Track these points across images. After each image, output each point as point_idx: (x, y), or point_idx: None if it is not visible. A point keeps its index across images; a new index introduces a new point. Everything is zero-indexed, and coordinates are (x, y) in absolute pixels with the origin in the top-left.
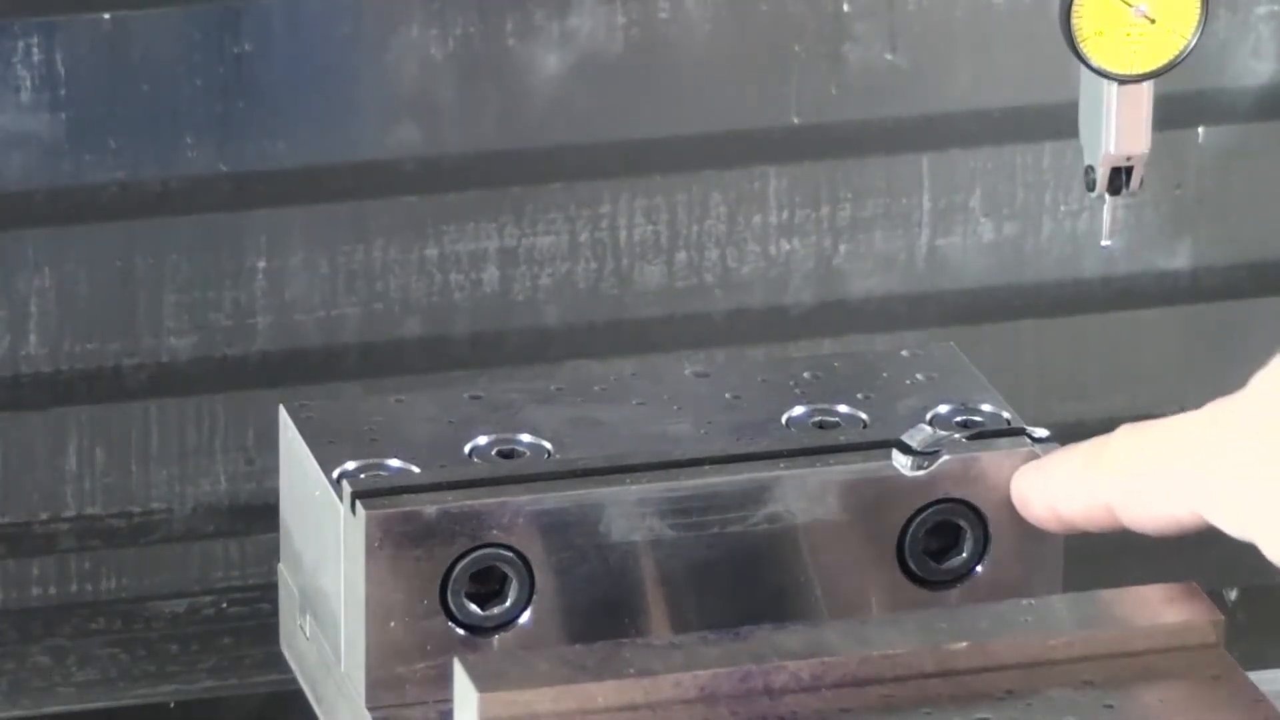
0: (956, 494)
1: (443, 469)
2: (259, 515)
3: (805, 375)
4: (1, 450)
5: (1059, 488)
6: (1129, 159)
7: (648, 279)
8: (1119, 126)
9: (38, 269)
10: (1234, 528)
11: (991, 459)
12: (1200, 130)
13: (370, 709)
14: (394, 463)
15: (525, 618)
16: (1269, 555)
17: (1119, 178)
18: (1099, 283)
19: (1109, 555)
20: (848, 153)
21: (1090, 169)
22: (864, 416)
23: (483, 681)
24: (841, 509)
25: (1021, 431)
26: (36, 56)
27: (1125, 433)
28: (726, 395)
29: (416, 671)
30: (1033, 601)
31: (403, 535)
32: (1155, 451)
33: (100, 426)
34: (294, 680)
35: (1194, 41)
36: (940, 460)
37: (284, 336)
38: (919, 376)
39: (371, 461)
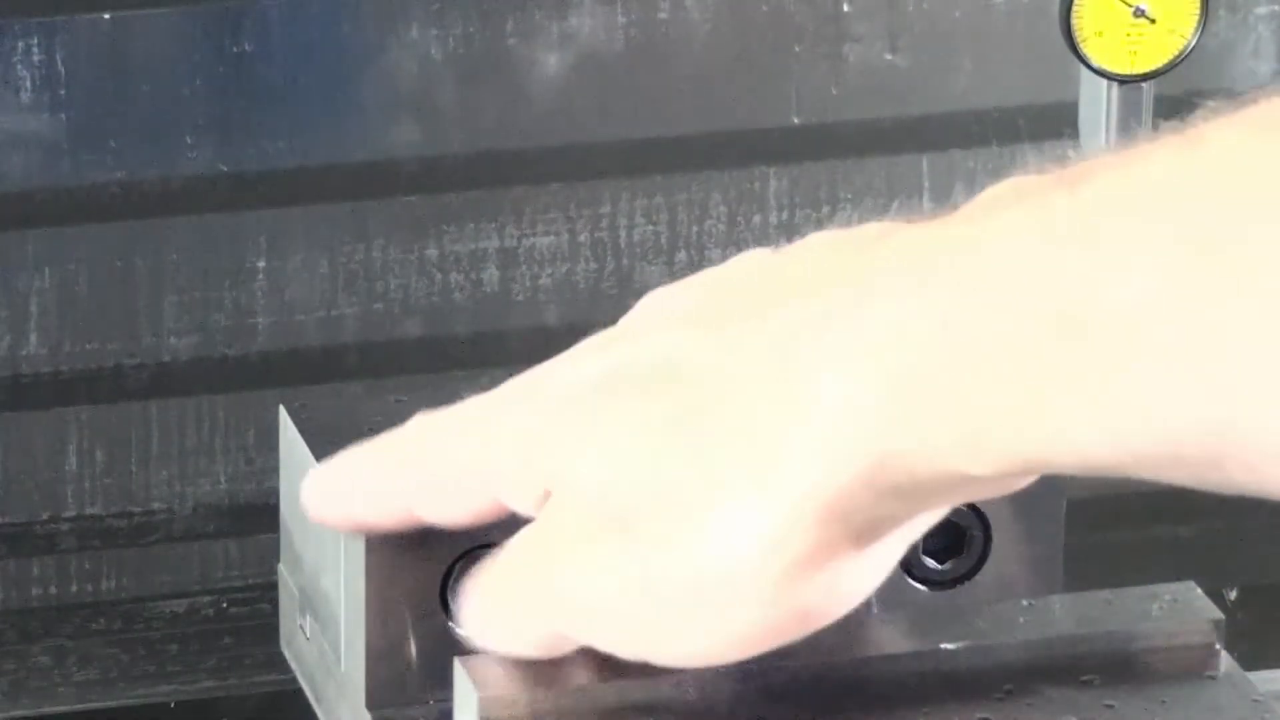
0: None
1: None
2: (259, 515)
3: None
4: (1, 450)
5: (353, 493)
6: None
7: (648, 279)
8: (1119, 126)
9: (38, 269)
10: (523, 506)
11: None
12: None
13: (370, 709)
14: None
15: None
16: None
17: None
18: None
19: (1109, 555)
20: (848, 153)
21: None
22: None
23: (483, 681)
24: None
25: None
26: (36, 56)
27: (417, 419)
28: None
29: (416, 671)
30: (1033, 601)
31: (403, 535)
32: (445, 433)
33: (100, 426)
34: (294, 680)
35: (1194, 41)
36: None
37: (284, 336)
38: None
39: None
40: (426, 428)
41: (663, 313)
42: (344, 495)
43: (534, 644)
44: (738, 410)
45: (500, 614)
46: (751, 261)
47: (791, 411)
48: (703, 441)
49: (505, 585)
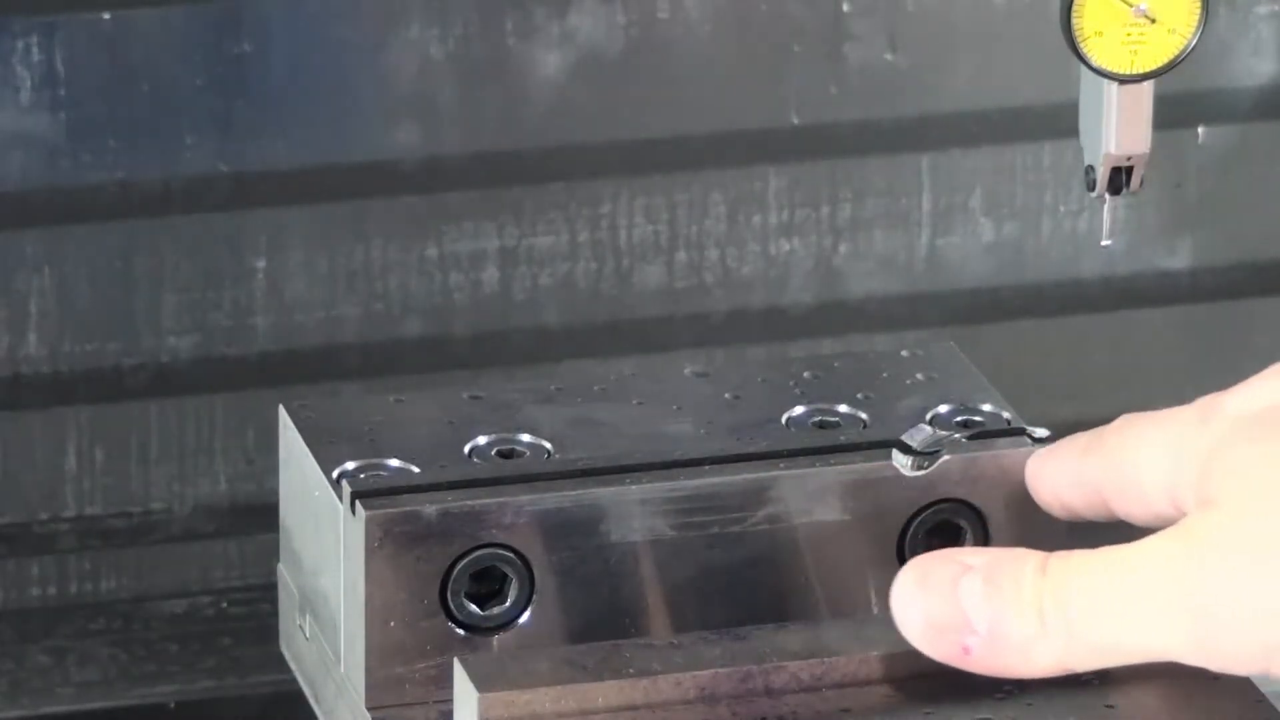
0: (956, 494)
1: (443, 469)
2: (259, 515)
3: (805, 375)
4: (1, 450)
5: (1060, 476)
6: (1129, 159)
7: (648, 279)
8: (1119, 126)
9: (38, 269)
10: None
11: (991, 459)
12: (1200, 130)
13: (370, 709)
14: (394, 463)
15: (525, 618)
16: None
17: (1119, 178)
18: (1099, 283)
19: None
20: (848, 153)
21: (1090, 169)
22: (864, 416)
23: (483, 681)
24: (841, 509)
25: (1021, 431)
26: (36, 56)
27: (1121, 422)
28: (726, 395)
29: (416, 671)
30: None
31: (403, 535)
32: (1144, 441)
33: (100, 426)
34: (294, 680)
35: (1194, 41)
36: (940, 460)
37: (284, 336)
38: (919, 376)
39: (371, 461)
40: (1128, 425)
41: None
42: (1054, 477)
43: (1127, 648)
44: None
45: (1118, 605)
46: None
47: None
48: None
49: (1129, 581)
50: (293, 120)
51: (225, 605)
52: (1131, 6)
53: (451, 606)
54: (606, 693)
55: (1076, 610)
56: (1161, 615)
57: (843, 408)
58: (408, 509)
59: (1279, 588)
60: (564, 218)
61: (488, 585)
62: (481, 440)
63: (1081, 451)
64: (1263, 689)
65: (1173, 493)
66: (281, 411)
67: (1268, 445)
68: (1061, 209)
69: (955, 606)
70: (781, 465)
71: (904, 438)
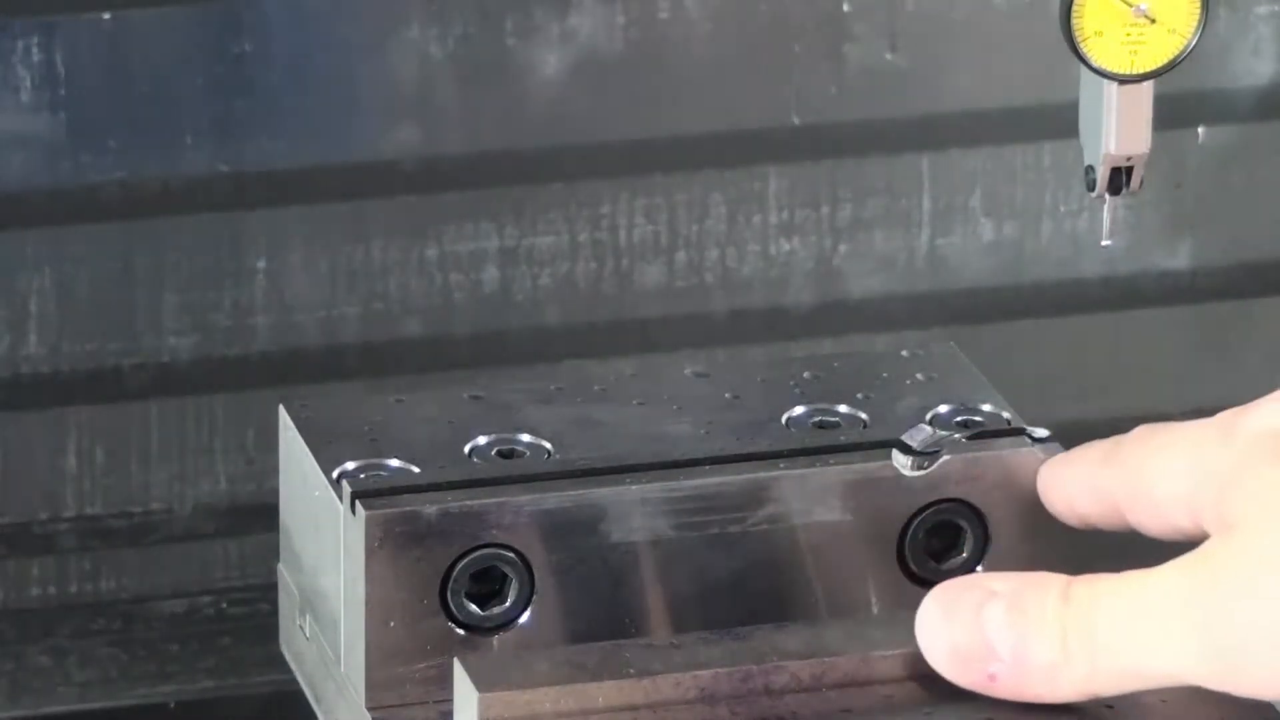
0: (956, 494)
1: (443, 469)
2: (259, 515)
3: (805, 375)
4: (1, 450)
5: (1075, 483)
6: (1129, 159)
7: (648, 279)
8: (1119, 126)
9: (38, 269)
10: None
11: (991, 459)
12: (1200, 130)
13: (370, 709)
14: (394, 463)
15: (525, 618)
16: None
17: (1119, 178)
18: (1099, 283)
19: (1109, 555)
20: (848, 153)
21: (1090, 169)
22: (864, 416)
23: (483, 681)
24: (841, 509)
25: (1021, 431)
26: (36, 56)
27: (1140, 432)
28: (726, 395)
29: (416, 671)
30: None
31: (403, 535)
32: (1163, 455)
33: (100, 426)
34: (294, 680)
35: (1194, 41)
36: (940, 460)
37: (284, 336)
38: (919, 376)
39: (371, 461)
40: (1147, 436)
41: None
42: (1067, 484)
43: (1152, 673)
44: None
45: (1141, 630)
46: None
47: None
48: None
49: (1152, 606)
50: (293, 120)
51: (225, 605)
52: (1131, 6)
53: (451, 606)
54: (606, 693)
55: (1100, 636)
56: (1185, 641)
57: (843, 408)
58: (408, 509)
59: None
60: (564, 218)
61: (488, 585)
62: (481, 440)
63: (1099, 461)
64: None
65: (1192, 508)
66: (281, 411)
67: None
68: (1061, 209)
69: (980, 634)
70: (781, 465)
71: (904, 438)
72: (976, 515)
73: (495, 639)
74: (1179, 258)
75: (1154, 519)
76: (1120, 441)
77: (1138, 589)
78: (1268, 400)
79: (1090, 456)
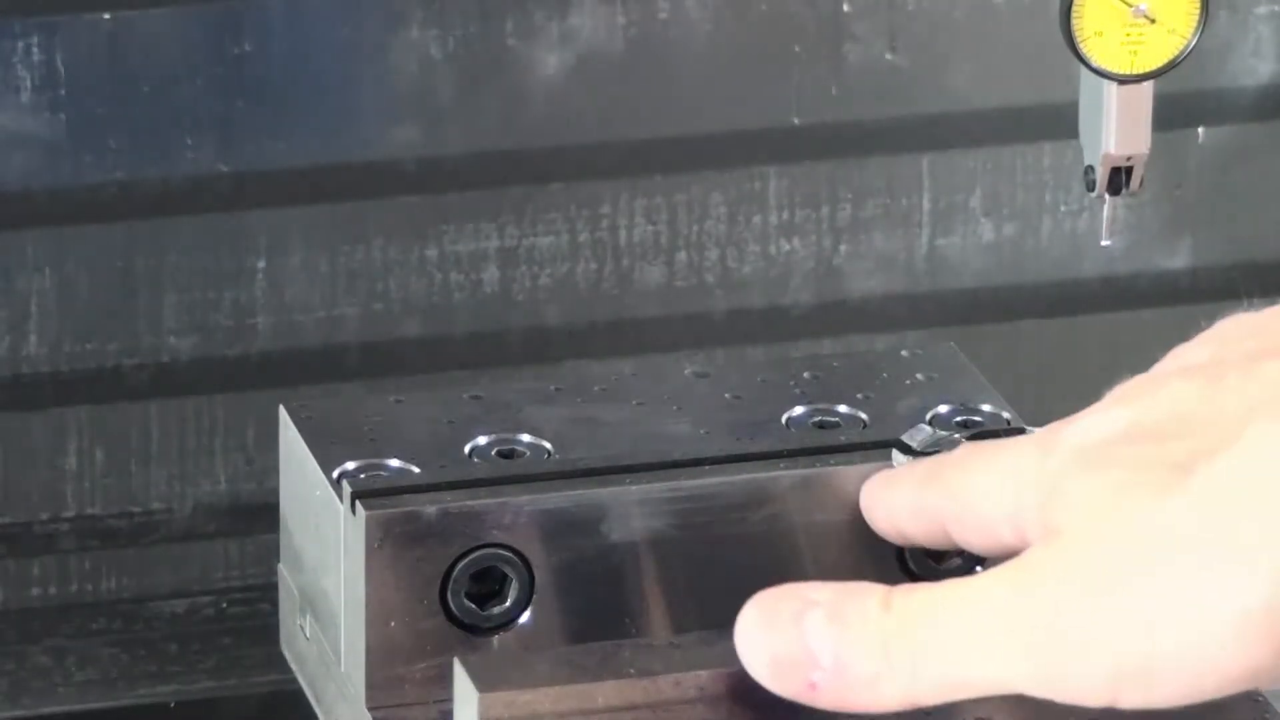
0: None
1: (443, 469)
2: (259, 515)
3: (805, 375)
4: (1, 450)
5: (901, 503)
6: (1129, 159)
7: (648, 279)
8: (1119, 126)
9: (38, 269)
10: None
11: None
12: (1200, 130)
13: (370, 709)
14: (394, 463)
15: (525, 618)
16: None
17: (1119, 178)
18: (1099, 283)
19: None
20: (848, 153)
21: (1090, 169)
22: (864, 416)
23: (483, 681)
24: (841, 509)
25: (1021, 431)
26: (36, 56)
27: (961, 452)
28: (726, 395)
29: (416, 671)
30: None
31: (403, 535)
32: (985, 474)
33: (100, 426)
34: (294, 680)
35: (1194, 41)
36: None
37: (284, 336)
38: (919, 376)
39: (371, 461)
40: (968, 455)
41: (1180, 358)
42: (890, 504)
43: (973, 682)
44: (1239, 462)
45: (962, 638)
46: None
47: None
48: (1209, 493)
49: (973, 613)
50: (293, 120)
51: (225, 605)
52: (1131, 7)
53: (451, 606)
54: (606, 693)
55: (920, 645)
56: (1005, 648)
57: (843, 408)
58: (408, 509)
59: (1120, 617)
60: (564, 218)
61: (488, 585)
62: (481, 440)
63: (920, 481)
64: (1263, 690)
65: (1015, 523)
66: (281, 411)
67: (1106, 475)
68: (1061, 209)
69: (800, 643)
70: (781, 465)
71: (904, 438)
72: None
73: (495, 639)
74: (1179, 258)
75: (979, 536)
76: (941, 461)
77: (960, 596)
78: (1086, 413)
79: (911, 477)
